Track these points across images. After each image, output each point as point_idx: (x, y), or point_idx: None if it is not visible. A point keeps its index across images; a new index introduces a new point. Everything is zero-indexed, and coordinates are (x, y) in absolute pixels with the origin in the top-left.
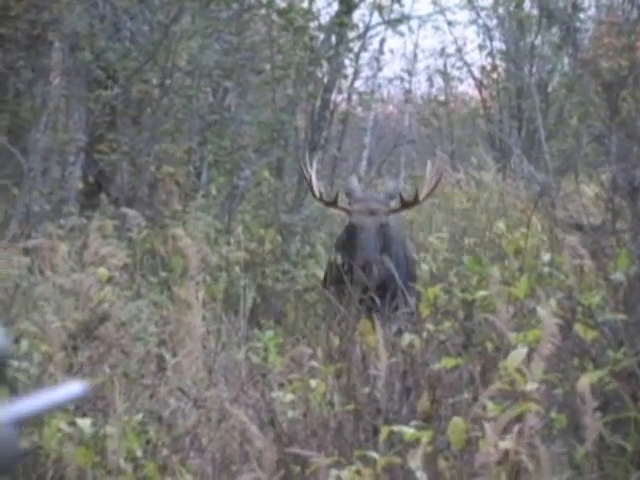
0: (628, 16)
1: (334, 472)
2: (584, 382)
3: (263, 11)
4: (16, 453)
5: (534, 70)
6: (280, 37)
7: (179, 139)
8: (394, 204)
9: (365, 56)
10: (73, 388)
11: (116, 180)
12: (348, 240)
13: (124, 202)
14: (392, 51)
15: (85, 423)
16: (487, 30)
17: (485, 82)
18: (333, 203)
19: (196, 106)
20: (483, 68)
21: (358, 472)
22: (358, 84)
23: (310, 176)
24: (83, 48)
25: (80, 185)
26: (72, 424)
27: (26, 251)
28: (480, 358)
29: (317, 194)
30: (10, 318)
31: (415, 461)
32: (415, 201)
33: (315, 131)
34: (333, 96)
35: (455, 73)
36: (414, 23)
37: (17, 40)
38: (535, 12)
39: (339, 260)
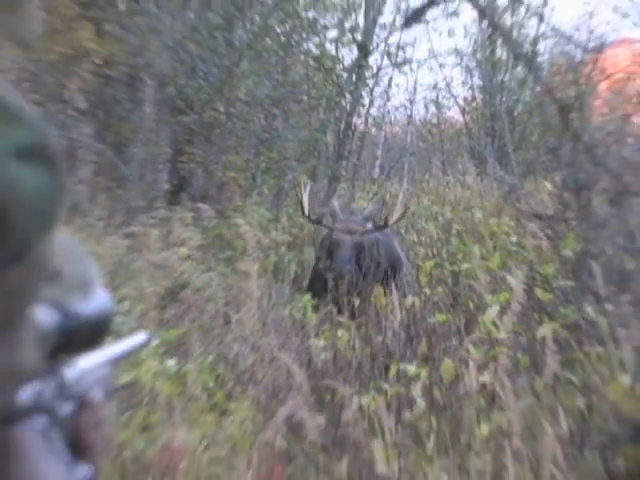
0: (573, 59)
1: (355, 399)
2: (542, 332)
3: (302, 57)
4: (111, 386)
5: (504, 99)
6: (314, 76)
7: (240, 152)
8: (369, 225)
9: (377, 90)
10: (142, 337)
11: (193, 183)
12: (329, 251)
13: (199, 199)
14: (397, 86)
15: (171, 363)
16: (468, 70)
17: (467, 109)
18: (318, 222)
19: (252, 128)
20: (465, 99)
21: (373, 399)
22: (372, 110)
23: (302, 200)
24: (168, 85)
25: (166, 186)
26: (161, 363)
27: (127, 236)
28: (464, 314)
29: (307, 214)
30: (115, 285)
31: (416, 390)
32: (385, 225)
33: (340, 145)
34: (354, 120)
35: (445, 102)
36: (414, 65)
37: (120, 79)
38: (504, 56)
39: (321, 265)
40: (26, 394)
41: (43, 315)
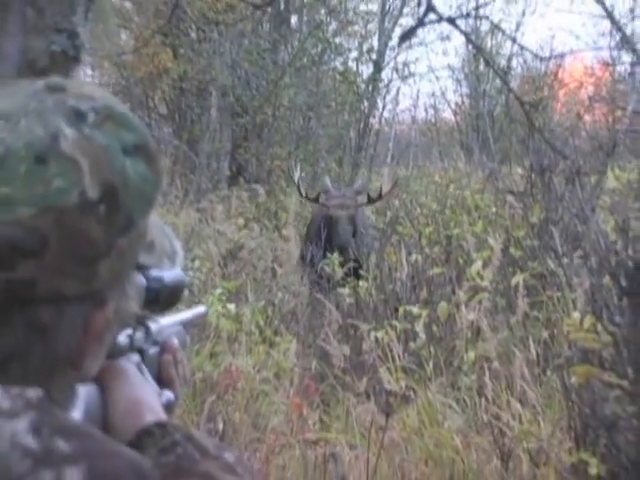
0: (538, 72)
1: (372, 333)
2: (515, 280)
3: (330, 72)
4: (184, 340)
5: (486, 104)
6: (340, 87)
7: (283, 145)
8: (361, 199)
9: (388, 97)
10: (202, 308)
11: (248, 169)
12: (326, 227)
13: (252, 181)
14: (404, 94)
15: (231, 306)
16: (458, 81)
17: (457, 111)
18: (315, 200)
19: (292, 127)
20: (456, 103)
21: (386, 333)
22: (385, 113)
23: (297, 182)
24: (228, 95)
25: (227, 172)
26: (224, 307)
27: (197, 210)
28: (455, 268)
29: (303, 193)
30: (188, 248)
31: (419, 326)
32: (379, 198)
33: (360, 140)
34: (370, 120)
35: (440, 106)
36: (417, 78)
37: (191, 91)
38: (485, 70)
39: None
40: (123, 337)
41: (138, 277)
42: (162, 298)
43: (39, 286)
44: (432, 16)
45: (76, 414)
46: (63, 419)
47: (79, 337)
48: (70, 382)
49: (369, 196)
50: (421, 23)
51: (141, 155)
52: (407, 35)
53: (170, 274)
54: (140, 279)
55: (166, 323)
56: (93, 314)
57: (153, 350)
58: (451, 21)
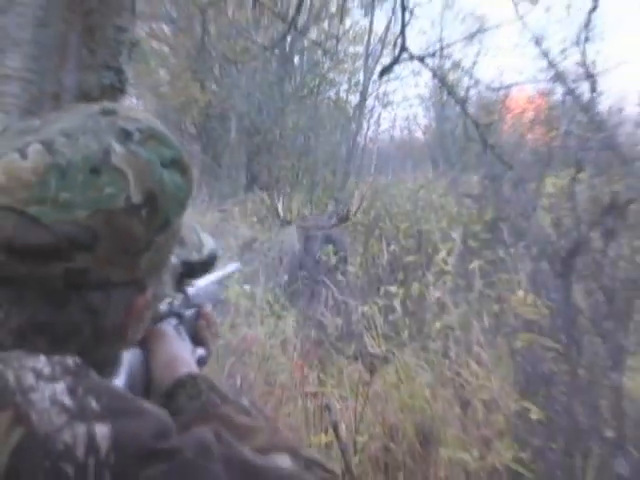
0: (490, 101)
1: (359, 308)
2: (473, 265)
3: (325, 100)
4: (219, 298)
5: (448, 126)
6: (333, 112)
7: (289, 159)
8: (333, 221)
9: (372, 120)
10: (235, 265)
11: (260, 178)
12: (305, 243)
13: (264, 188)
14: (384, 118)
15: (247, 287)
16: (427, 108)
17: (426, 132)
18: (289, 223)
19: (295, 144)
20: (425, 125)
21: (370, 307)
22: (369, 133)
23: (277, 207)
24: (244, 119)
25: (244, 181)
26: (240, 287)
27: (220, 211)
28: (425, 255)
29: (281, 216)
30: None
31: (396, 302)
32: (347, 219)
33: (349, 154)
34: (358, 139)
35: (413, 128)
36: (394, 105)
37: (215, 115)
38: (449, 99)
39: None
40: (164, 305)
41: (174, 261)
42: (195, 271)
43: (91, 274)
44: (405, 55)
45: (121, 375)
46: (97, 382)
47: (123, 316)
48: (116, 351)
49: (338, 217)
50: (397, 60)
51: (177, 168)
52: (386, 70)
53: (200, 255)
54: (175, 261)
55: (203, 285)
56: (135, 297)
57: (189, 313)
58: (420, 59)
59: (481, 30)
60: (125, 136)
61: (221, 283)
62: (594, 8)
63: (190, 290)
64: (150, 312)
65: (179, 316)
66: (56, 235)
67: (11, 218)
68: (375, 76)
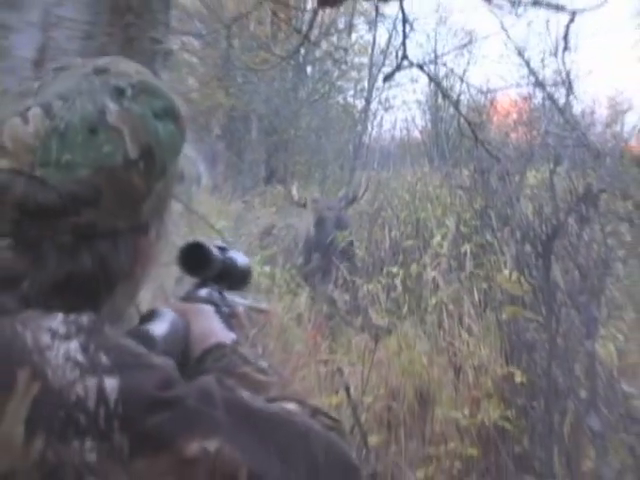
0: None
1: (365, 286)
2: (464, 248)
3: (334, 105)
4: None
5: (443, 126)
6: (341, 115)
7: (303, 155)
8: (343, 203)
9: (375, 122)
10: (265, 305)
11: (277, 172)
12: (318, 224)
13: (281, 181)
14: (386, 120)
15: (267, 268)
16: (424, 111)
17: (423, 132)
18: (304, 205)
19: (308, 142)
20: (422, 126)
21: (375, 285)
22: (373, 133)
23: (292, 193)
24: (264, 120)
25: (263, 174)
26: (261, 268)
27: (243, 202)
28: (422, 240)
29: (296, 200)
30: (237, 228)
31: (397, 281)
32: (353, 201)
33: (356, 152)
34: (363, 138)
35: (412, 128)
36: (395, 109)
37: (238, 117)
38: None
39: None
40: (205, 291)
41: (216, 252)
42: (233, 276)
43: (98, 225)
44: (406, 63)
45: (163, 326)
46: (109, 338)
47: (131, 256)
48: (130, 291)
49: (347, 200)
50: (399, 67)
51: (169, 117)
52: (389, 76)
53: (243, 259)
54: (217, 253)
55: (236, 299)
56: (139, 239)
57: (225, 309)
58: (419, 66)
59: (471, 42)
60: (118, 94)
61: (248, 310)
62: (572, 20)
63: (226, 294)
64: (155, 250)
65: (216, 306)
66: (62, 194)
67: (20, 181)
68: (379, 83)
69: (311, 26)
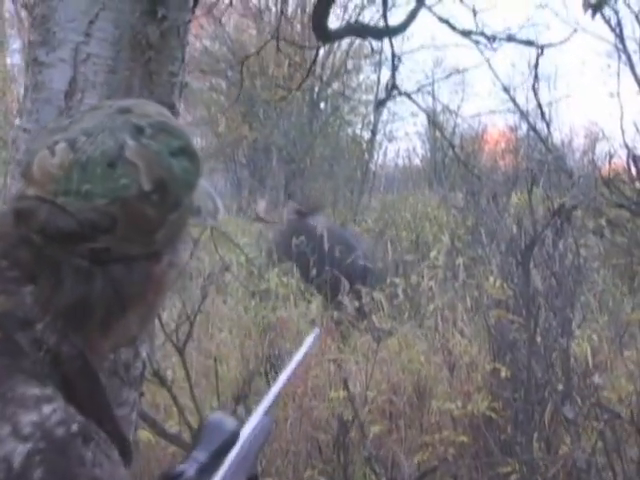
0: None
1: (370, 294)
2: (458, 261)
3: (345, 137)
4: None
5: (440, 155)
6: (351, 145)
7: (317, 181)
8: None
9: (380, 151)
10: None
11: (296, 196)
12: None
13: (298, 198)
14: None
15: (285, 278)
16: (423, 141)
17: (423, 160)
18: (262, 220)
19: (322, 170)
20: (422, 155)
21: (379, 293)
22: (379, 161)
23: (257, 210)
24: (283, 151)
25: (283, 198)
26: (280, 279)
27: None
28: (421, 254)
29: (259, 215)
30: (259, 244)
31: (399, 290)
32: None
33: (364, 177)
34: (370, 165)
35: (412, 156)
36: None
37: (260, 148)
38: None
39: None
40: None
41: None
42: None
43: (113, 251)
44: (395, 92)
45: None
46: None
47: (144, 282)
48: (142, 315)
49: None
50: (389, 95)
51: (184, 155)
52: (381, 103)
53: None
54: None
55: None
56: (153, 266)
57: None
58: (407, 95)
59: (463, 82)
60: (138, 131)
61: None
62: (540, 53)
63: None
64: (168, 277)
65: None
66: (80, 221)
67: (44, 207)
68: (383, 117)
69: (323, 68)
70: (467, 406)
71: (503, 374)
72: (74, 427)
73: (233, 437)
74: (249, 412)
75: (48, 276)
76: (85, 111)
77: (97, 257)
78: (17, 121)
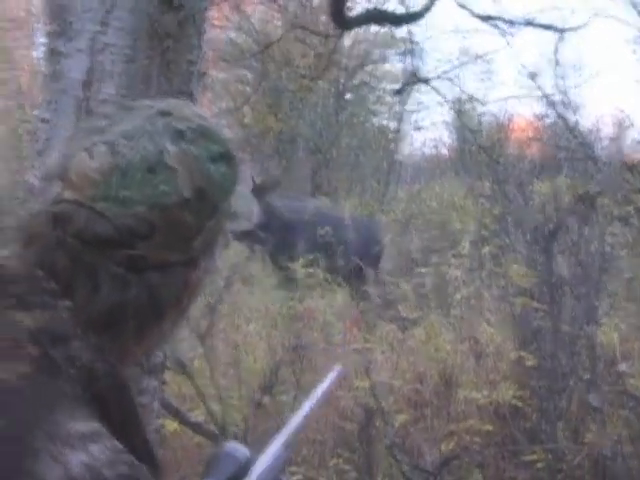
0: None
1: (398, 286)
2: (484, 251)
3: (371, 127)
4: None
5: (467, 145)
6: (377, 135)
7: (344, 172)
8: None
9: (407, 141)
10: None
11: (322, 187)
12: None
13: (326, 194)
14: (416, 139)
15: (310, 269)
16: (450, 131)
17: (449, 149)
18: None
19: (348, 160)
20: (449, 144)
21: (405, 283)
22: (405, 151)
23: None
24: (309, 141)
25: (309, 189)
26: (306, 270)
27: None
28: (449, 243)
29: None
30: None
31: (427, 279)
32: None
33: (390, 167)
34: (396, 156)
35: (440, 145)
36: (425, 130)
37: (286, 140)
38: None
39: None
40: None
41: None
42: None
43: (150, 258)
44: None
45: None
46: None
47: (180, 289)
48: (176, 319)
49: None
50: (408, 82)
51: (223, 160)
52: (400, 91)
53: None
54: None
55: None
56: (189, 273)
57: None
58: (426, 81)
59: (490, 71)
60: (178, 136)
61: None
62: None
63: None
64: (203, 283)
65: None
66: (118, 227)
67: (82, 212)
68: (409, 106)
69: (334, 49)
70: (493, 395)
71: (529, 363)
72: (122, 469)
73: (245, 467)
74: (262, 445)
75: (85, 283)
76: (123, 111)
77: (134, 264)
78: (36, 112)
